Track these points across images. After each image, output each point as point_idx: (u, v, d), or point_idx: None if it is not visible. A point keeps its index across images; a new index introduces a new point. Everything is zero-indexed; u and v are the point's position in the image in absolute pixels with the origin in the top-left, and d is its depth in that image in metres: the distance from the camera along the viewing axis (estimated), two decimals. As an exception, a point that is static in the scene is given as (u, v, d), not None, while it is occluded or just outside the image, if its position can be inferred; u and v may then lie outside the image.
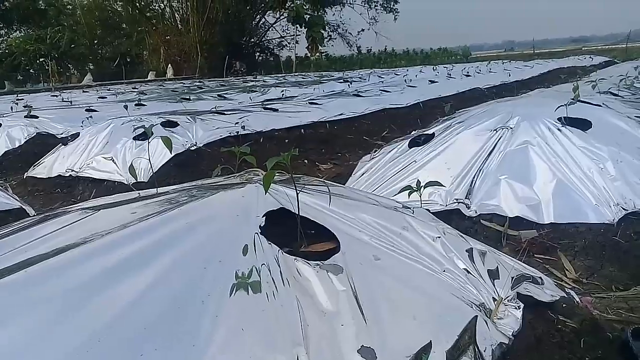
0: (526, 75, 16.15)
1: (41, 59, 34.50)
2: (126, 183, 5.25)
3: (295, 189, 1.53)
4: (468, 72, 14.81)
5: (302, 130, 6.70)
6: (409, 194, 2.09)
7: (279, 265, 1.37)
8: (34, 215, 4.31)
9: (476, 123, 3.72)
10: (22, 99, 12.74)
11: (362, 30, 37.62)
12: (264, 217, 1.53)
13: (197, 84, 18.61)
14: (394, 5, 36.32)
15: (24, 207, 4.25)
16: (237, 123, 6.18)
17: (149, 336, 1.08)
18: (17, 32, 38.81)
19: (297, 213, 1.54)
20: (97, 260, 1.28)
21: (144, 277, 1.25)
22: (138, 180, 5.19)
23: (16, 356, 1.00)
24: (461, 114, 4.25)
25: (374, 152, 4.30)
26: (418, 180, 2.16)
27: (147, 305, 1.16)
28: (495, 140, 3.48)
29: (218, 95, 11.10)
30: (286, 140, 6.35)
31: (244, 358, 1.08)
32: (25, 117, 7.84)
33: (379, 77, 15.60)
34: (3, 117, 7.89)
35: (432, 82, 11.45)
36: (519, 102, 4.27)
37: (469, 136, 3.61)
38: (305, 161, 5.94)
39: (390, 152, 4.07)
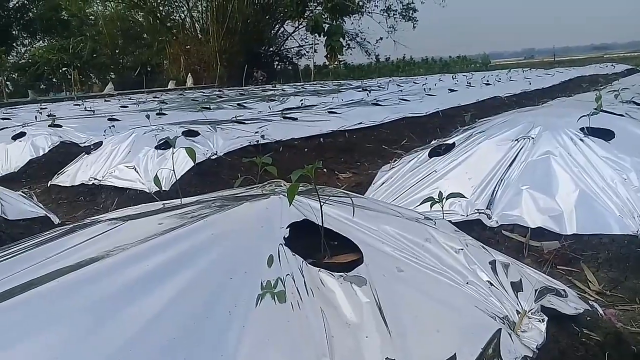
0: (547, 83, 16.03)
1: (64, 69, 35.17)
2: (148, 192, 5.32)
3: (319, 201, 1.55)
4: (488, 81, 14.74)
5: (321, 139, 6.73)
6: (431, 205, 2.10)
7: (303, 276, 1.39)
8: (62, 225, 4.39)
9: (497, 133, 3.71)
10: (46, 108, 12.99)
11: (381, 38, 37.70)
12: (288, 229, 1.55)
13: (217, 93, 18.79)
14: (412, 13, 36.36)
15: (48, 215, 4.33)
16: (257, 132, 6.23)
17: (178, 345, 1.10)
18: (41, 42, 39.65)
19: (320, 225, 1.55)
20: (126, 271, 1.31)
21: (171, 287, 1.27)
22: (160, 189, 5.29)
23: None
24: (482, 124, 4.24)
25: (394, 161, 4.31)
26: (440, 191, 2.16)
27: (175, 315, 1.19)
28: (516, 150, 3.47)
29: (238, 104, 11.20)
30: (305, 149, 6.39)
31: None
32: (49, 126, 7.98)
33: (398, 85, 15.60)
34: (28, 126, 8.05)
35: (451, 90, 11.43)
36: (541, 112, 4.25)
37: (490, 146, 3.60)
38: (325, 170, 5.96)
39: (410, 161, 4.07)
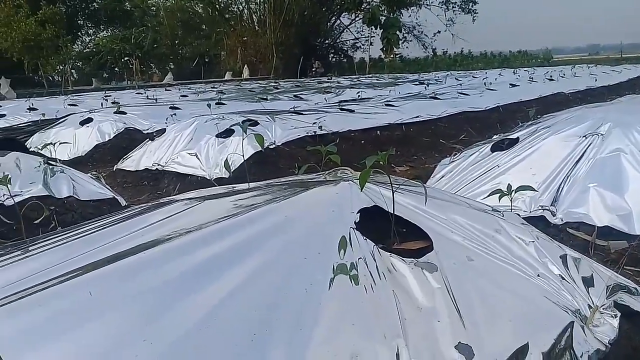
0: (614, 80, 15.41)
1: (126, 58, 36.34)
2: (208, 178, 5.47)
3: (392, 188, 1.57)
4: (551, 76, 14.29)
5: (378, 131, 6.72)
6: (499, 198, 2.08)
7: (375, 260, 1.41)
8: (128, 207, 4.58)
9: (564, 128, 3.62)
10: (110, 96, 13.49)
11: (439, 32, 37.10)
12: (358, 214, 1.57)
13: (273, 84, 18.99)
14: (472, 6, 35.58)
15: (116, 197, 4.52)
16: (314, 123, 6.28)
17: (258, 318, 1.15)
18: (104, 31, 41.05)
19: (392, 211, 1.57)
20: (206, 248, 1.37)
21: (249, 264, 1.32)
22: (220, 176, 5.42)
23: (123, 344, 1.07)
24: (547, 119, 4.14)
25: (454, 155, 4.27)
26: (509, 184, 2.14)
27: (254, 290, 1.24)
28: (584, 146, 3.37)
29: (294, 95, 11.29)
30: (362, 141, 6.39)
31: (347, 345, 1.13)
32: (115, 112, 8.28)
33: (456, 79, 15.34)
34: (94, 112, 8.38)
35: (512, 85, 11.14)
36: (610, 108, 4.11)
37: (556, 142, 3.52)
38: (381, 162, 5.95)
39: (471, 155, 4.02)
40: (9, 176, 2.67)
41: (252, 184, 2.32)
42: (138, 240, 1.42)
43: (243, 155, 2.30)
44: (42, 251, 1.49)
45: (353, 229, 1.50)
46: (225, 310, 1.17)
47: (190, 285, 1.24)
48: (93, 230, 1.61)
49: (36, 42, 24.76)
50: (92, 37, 41.88)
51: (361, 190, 1.54)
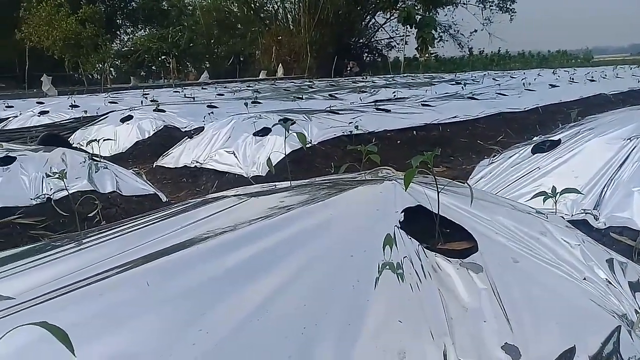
0: (658, 81, 14.95)
1: (162, 57, 36.97)
2: (245, 176, 5.55)
3: (437, 188, 1.58)
4: (592, 77, 13.96)
5: (414, 131, 6.70)
6: (544, 200, 2.06)
7: (420, 259, 1.43)
8: (169, 203, 4.68)
9: (608, 131, 3.55)
10: (148, 94, 13.75)
11: (475, 31, 36.69)
12: (402, 213, 1.59)
13: (307, 83, 19.07)
14: (510, 5, 35.02)
15: (157, 193, 4.63)
16: (350, 123, 6.29)
17: (308, 312, 1.18)
18: (142, 30, 41.85)
19: (436, 212, 1.58)
20: (255, 243, 1.41)
21: (298, 259, 1.36)
22: (257, 174, 5.49)
23: (180, 333, 1.11)
24: (590, 121, 4.07)
25: (493, 156, 4.23)
26: (553, 186, 2.12)
27: (303, 284, 1.27)
28: (629, 149, 3.30)
29: (329, 94, 11.33)
30: (398, 141, 6.38)
31: (395, 342, 1.15)
32: (154, 110, 8.44)
33: (494, 79, 15.13)
34: (135, 110, 8.56)
35: (552, 86, 10.93)
36: (656, 110, 4.00)
37: (599, 144, 3.45)
38: (428, 165, 5.93)
39: (511, 157, 3.98)
40: (65, 170, 2.77)
41: (293, 182, 2.36)
42: (190, 234, 1.47)
43: (285, 153, 2.31)
44: (99, 243, 1.55)
45: (398, 228, 1.51)
46: (275, 303, 1.20)
47: (242, 278, 1.27)
48: (146, 224, 1.66)
49: (76, 40, 25.39)
50: (130, 36, 42.78)
51: (405, 190, 1.56)
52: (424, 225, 1.65)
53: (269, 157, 2.48)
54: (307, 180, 2.24)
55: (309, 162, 5.76)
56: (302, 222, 1.51)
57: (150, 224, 1.66)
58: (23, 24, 24.77)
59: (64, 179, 2.66)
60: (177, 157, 6.36)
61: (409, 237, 1.49)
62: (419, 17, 31.00)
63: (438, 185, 1.80)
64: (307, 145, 6.03)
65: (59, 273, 1.31)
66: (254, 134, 5.98)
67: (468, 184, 1.57)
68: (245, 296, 1.21)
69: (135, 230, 1.64)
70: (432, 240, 1.59)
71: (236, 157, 5.82)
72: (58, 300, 1.13)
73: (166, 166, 6.38)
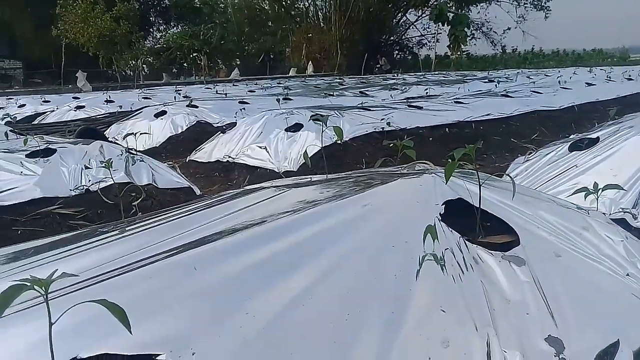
0: (699, 80, 14.51)
1: (194, 54, 37.38)
2: (277, 171, 5.59)
3: (479, 182, 1.57)
4: (630, 76, 13.62)
5: (447, 129, 6.64)
6: (585, 196, 2.03)
7: (461, 251, 1.43)
8: (203, 196, 4.75)
9: (648, 129, 3.48)
10: (181, 90, 13.94)
11: (508, 28, 36.13)
12: (443, 206, 1.59)
13: (337, 80, 19.05)
14: (545, 2, 34.37)
15: (192, 186, 4.70)
16: (382, 119, 6.27)
17: (351, 299, 1.20)
18: (174, 28, 42.39)
19: (477, 205, 1.58)
20: (297, 232, 1.43)
21: (339, 249, 1.37)
22: (289, 169, 5.53)
23: (226, 316, 1.14)
24: (629, 119, 3.98)
25: (529, 154, 4.17)
26: (595, 182, 2.09)
27: (346, 272, 1.28)
28: (671, 147, 3.23)
29: (360, 92, 11.30)
30: (430, 139, 6.34)
31: (438, 330, 1.16)
32: (187, 106, 8.56)
33: (528, 77, 14.88)
34: (168, 105, 8.69)
35: (588, 84, 10.70)
36: (699, 108, 3.90)
37: (639, 142, 3.38)
38: (449, 160, 5.89)
39: (547, 154, 3.92)
40: (111, 160, 2.85)
41: (329, 175, 2.38)
42: (232, 222, 1.50)
43: (322, 145, 2.32)
44: (144, 230, 1.59)
45: (439, 220, 1.51)
46: (318, 290, 1.22)
47: (285, 266, 1.30)
48: (189, 212, 1.70)
49: (111, 37, 25.79)
50: (163, 33, 43.37)
51: (446, 183, 1.56)
52: (464, 218, 1.64)
53: (305, 151, 2.50)
54: (343, 174, 2.26)
55: (340, 158, 5.77)
56: (343, 213, 1.52)
57: (193, 213, 1.69)
58: (59, 20, 25.30)
59: (110, 168, 2.72)
60: (210, 151, 6.44)
61: (450, 229, 1.50)
62: (452, 14, 30.62)
63: (468, 178, 1.80)
64: (339, 142, 6.04)
65: (110, 257, 1.35)
66: (286, 130, 6.02)
67: (510, 176, 1.56)
68: (288, 283, 1.23)
69: (178, 218, 1.68)
70: (472, 233, 1.59)
71: (268, 152, 5.86)
72: (112, 282, 1.17)
73: (199, 160, 6.46)
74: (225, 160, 6.11)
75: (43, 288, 0.83)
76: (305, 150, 2.51)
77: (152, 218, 1.74)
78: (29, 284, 0.81)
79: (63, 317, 0.90)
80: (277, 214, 1.53)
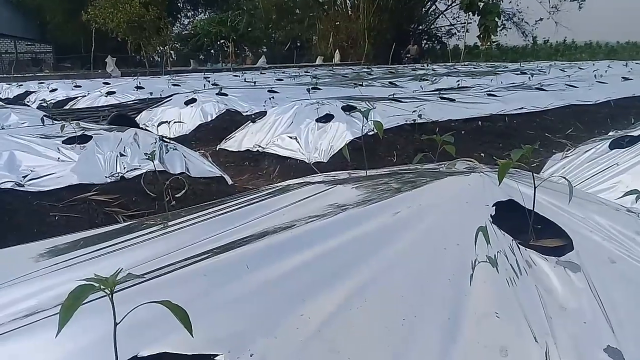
0: None
1: (221, 41, 37.52)
2: (307, 162, 5.58)
3: (534, 184, 1.53)
4: (671, 70, 13.25)
5: (479, 122, 6.54)
6: (637, 199, 1.97)
7: (514, 255, 1.40)
8: (234, 185, 4.77)
9: (696, 127, 3.37)
10: (209, 77, 13.99)
11: (540, 19, 35.32)
12: (494, 207, 1.56)
13: (365, 70, 18.91)
14: (580, -8, 33.51)
15: (224, 175, 4.72)
16: (414, 111, 6.21)
17: (406, 302, 1.18)
18: (202, 14, 42.56)
19: (530, 207, 1.54)
20: (345, 233, 1.41)
21: (390, 250, 1.35)
22: (319, 160, 5.51)
23: (281, 316, 1.13)
24: (674, 116, 3.87)
25: (567, 150, 4.09)
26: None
27: (398, 276, 1.26)
28: None
29: (389, 82, 11.20)
30: (462, 132, 6.25)
31: (496, 339, 1.13)
32: (217, 94, 8.58)
33: (562, 70, 14.56)
34: (198, 93, 8.73)
35: (625, 79, 10.41)
36: None
37: (686, 141, 3.29)
38: (482, 154, 5.81)
39: (586, 152, 3.84)
40: (154, 152, 2.88)
41: (369, 171, 2.35)
42: (280, 219, 1.49)
43: (363, 141, 2.29)
44: (191, 224, 1.59)
45: (490, 222, 1.48)
46: (372, 292, 1.20)
47: (336, 266, 1.28)
48: (234, 207, 1.69)
49: (139, 23, 25.93)
50: (191, 19, 43.62)
51: (499, 184, 1.52)
52: (513, 220, 1.61)
53: (344, 145, 2.47)
54: (385, 170, 2.23)
55: (371, 150, 5.73)
56: (392, 212, 1.50)
57: (239, 208, 1.69)
58: (89, 6, 25.57)
59: (153, 160, 2.74)
60: (240, 140, 6.46)
61: (502, 232, 1.46)
62: (482, 4, 30.05)
63: (524, 180, 1.76)
64: (370, 133, 6.00)
65: (160, 252, 1.35)
66: (317, 120, 6.00)
67: (567, 179, 1.52)
68: (340, 284, 1.22)
69: (223, 213, 1.67)
70: (523, 236, 1.55)
71: (298, 142, 5.85)
72: (166, 278, 1.17)
73: (229, 149, 6.49)
74: (255, 149, 6.12)
75: (108, 288, 0.83)
76: (345, 145, 2.49)
77: (197, 212, 1.74)
78: (96, 284, 0.81)
79: (122, 314, 0.90)
80: (324, 211, 1.51)
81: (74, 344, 0.99)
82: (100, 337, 0.98)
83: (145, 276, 1.18)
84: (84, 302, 0.82)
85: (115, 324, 0.87)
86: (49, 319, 1.07)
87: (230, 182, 4.71)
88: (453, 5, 35.46)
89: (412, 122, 6.17)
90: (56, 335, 0.78)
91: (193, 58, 33.42)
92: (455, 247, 1.39)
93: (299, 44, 39.26)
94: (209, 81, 12.32)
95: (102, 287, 0.82)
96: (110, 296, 0.84)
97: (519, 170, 1.91)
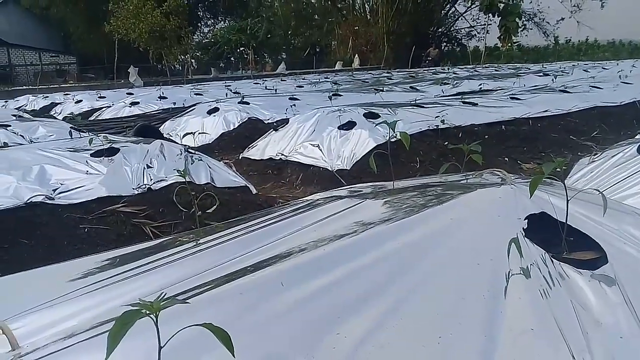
0: None
1: (241, 48, 37.84)
2: (330, 169, 5.59)
3: (567, 197, 1.52)
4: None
5: (503, 126, 6.49)
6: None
7: (547, 268, 1.39)
8: (258, 195, 4.80)
9: None
10: (230, 85, 14.11)
11: (562, 19, 34.90)
12: (526, 220, 1.55)
13: (385, 74, 18.88)
14: (603, -9, 33.03)
15: (248, 185, 4.75)
16: (436, 117, 6.19)
17: (442, 321, 1.18)
18: (222, 22, 42.96)
19: (563, 220, 1.53)
20: (378, 248, 1.42)
21: (423, 265, 1.36)
22: (342, 168, 5.52)
23: (317, 338, 1.14)
24: None
25: (594, 154, 4.04)
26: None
27: (432, 292, 1.27)
28: None
29: (410, 87, 11.18)
30: (486, 136, 6.21)
31: (533, 356, 1.13)
32: (239, 103, 8.65)
33: (585, 71, 14.36)
34: (220, 102, 8.82)
35: (650, 78, 10.24)
36: None
37: None
38: (506, 159, 5.76)
39: (613, 156, 3.78)
40: (187, 167, 2.90)
41: (396, 183, 2.36)
42: (312, 235, 1.50)
43: (389, 150, 2.29)
44: (225, 241, 1.61)
45: (522, 235, 1.48)
46: (407, 309, 1.21)
47: (369, 282, 1.29)
48: (264, 224, 1.71)
49: (161, 33, 26.29)
50: (211, 28, 44.06)
51: (530, 197, 1.51)
52: (544, 231, 1.60)
53: (371, 157, 2.48)
54: (411, 181, 2.23)
55: (394, 157, 5.70)
56: (424, 227, 1.50)
57: (270, 224, 1.70)
58: (111, 17, 26.01)
59: (185, 176, 2.77)
60: (263, 149, 6.50)
61: (535, 245, 1.46)
62: (502, 5, 29.80)
63: (553, 192, 1.75)
64: (392, 140, 5.98)
65: (195, 270, 1.37)
66: (339, 128, 6.01)
67: (600, 192, 1.50)
68: (375, 302, 1.23)
69: (254, 230, 1.69)
70: (556, 248, 1.54)
71: (321, 150, 5.87)
72: (202, 298, 1.19)
73: (252, 158, 6.53)
74: (277, 157, 6.15)
75: (154, 314, 0.85)
76: (372, 156, 2.48)
77: (227, 228, 1.76)
78: (142, 310, 0.83)
79: (163, 335, 0.92)
80: (354, 229, 1.52)
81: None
82: (143, 358, 1.01)
83: (184, 297, 1.20)
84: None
85: (160, 347, 0.89)
86: (90, 340, 1.10)
87: (254, 191, 4.74)
88: (473, 7, 35.22)
89: (435, 127, 6.15)
90: (105, 361, 0.80)
91: (213, 66, 33.73)
92: (489, 262, 1.39)
93: (317, 50, 39.36)
94: (230, 89, 12.43)
95: (147, 312, 0.84)
96: (155, 321, 0.86)
97: (547, 179, 1.90)
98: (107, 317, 1.13)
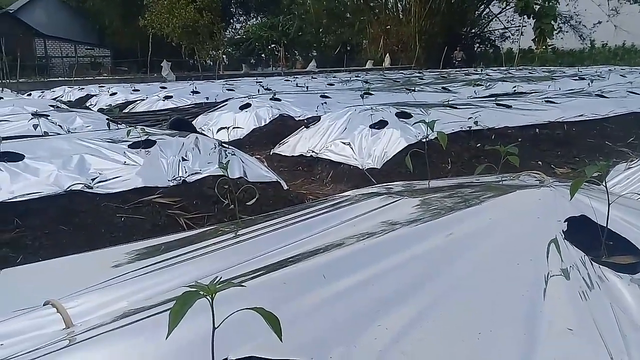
0: None
1: (272, 45, 38.04)
2: (360, 167, 5.61)
3: (608, 200, 1.53)
4: None
5: (537, 129, 6.42)
6: None
7: (587, 271, 1.40)
8: (289, 190, 4.85)
9: None
10: (261, 82, 14.22)
11: (599, 22, 34.21)
12: (566, 222, 1.55)
13: (417, 74, 18.77)
14: (642, -5, 32.25)
15: (279, 180, 4.80)
16: (469, 118, 6.15)
17: (482, 317, 1.20)
18: (254, 19, 43.25)
19: (603, 224, 1.53)
20: (417, 246, 1.44)
21: (463, 264, 1.38)
22: (372, 166, 5.54)
23: (357, 331, 1.16)
24: None
25: (630, 161, 3.98)
26: None
27: (471, 290, 1.29)
28: None
29: (442, 87, 11.11)
30: (519, 139, 6.14)
31: (572, 356, 1.14)
32: (270, 99, 8.72)
33: (622, 76, 14.06)
34: (252, 98, 8.90)
35: (691, 85, 9.98)
36: None
37: None
38: (540, 163, 5.70)
39: (652, 162, 3.73)
40: (228, 160, 2.96)
41: (432, 183, 2.37)
42: (352, 230, 1.53)
43: (425, 149, 2.31)
44: (265, 233, 1.66)
45: (562, 237, 1.48)
46: (446, 306, 1.23)
47: (408, 278, 1.32)
48: (302, 218, 1.75)
49: (194, 28, 26.61)
50: (243, 24, 44.43)
51: (570, 199, 1.52)
52: (584, 235, 1.60)
53: (408, 156, 2.50)
54: (447, 181, 2.24)
55: (424, 157, 5.70)
56: (463, 226, 1.52)
57: (308, 218, 1.74)
58: (146, 11, 26.43)
59: (227, 170, 2.81)
60: (294, 145, 6.55)
61: (575, 247, 1.46)
62: (538, 6, 29.32)
63: (594, 195, 1.74)
64: (423, 140, 5.97)
65: (239, 259, 1.42)
66: (370, 127, 6.02)
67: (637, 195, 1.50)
68: (416, 296, 1.25)
69: (293, 223, 1.73)
70: (595, 252, 1.54)
71: (352, 148, 5.88)
72: (250, 285, 1.23)
73: (282, 154, 6.58)
74: (308, 154, 6.19)
75: (210, 295, 0.89)
76: (408, 156, 2.50)
77: (266, 221, 1.81)
78: (200, 292, 0.88)
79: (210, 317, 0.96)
80: (393, 224, 1.55)
81: (173, 344, 1.05)
82: (194, 338, 1.05)
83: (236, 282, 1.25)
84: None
85: (214, 328, 0.93)
86: (143, 321, 1.14)
87: (285, 187, 4.79)
88: (507, 8, 34.73)
89: (468, 128, 6.11)
90: (167, 337, 0.85)
91: (244, 62, 33.99)
92: (529, 262, 1.40)
93: (348, 48, 39.30)
94: (262, 86, 12.53)
95: (204, 293, 0.89)
96: (211, 302, 0.90)
97: (586, 183, 1.89)
98: (158, 300, 1.18)
